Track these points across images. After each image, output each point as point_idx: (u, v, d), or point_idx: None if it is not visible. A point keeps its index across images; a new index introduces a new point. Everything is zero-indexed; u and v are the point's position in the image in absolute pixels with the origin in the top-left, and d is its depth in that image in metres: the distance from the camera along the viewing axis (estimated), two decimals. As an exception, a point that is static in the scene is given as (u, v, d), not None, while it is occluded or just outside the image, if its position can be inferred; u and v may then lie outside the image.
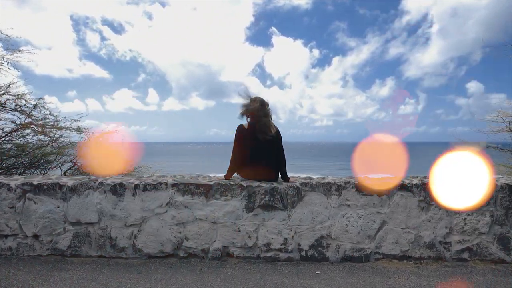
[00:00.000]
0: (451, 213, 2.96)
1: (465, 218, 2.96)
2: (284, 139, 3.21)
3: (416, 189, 2.96)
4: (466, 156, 2.91)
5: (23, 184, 2.94)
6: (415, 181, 3.03)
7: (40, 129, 5.56)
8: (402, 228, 2.97)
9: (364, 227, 2.97)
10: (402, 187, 2.97)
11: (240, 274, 2.70)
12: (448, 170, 2.91)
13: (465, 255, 2.97)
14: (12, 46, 5.28)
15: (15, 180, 3.01)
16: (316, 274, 2.73)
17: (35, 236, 2.96)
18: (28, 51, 5.36)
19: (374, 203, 2.97)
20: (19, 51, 5.31)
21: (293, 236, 2.97)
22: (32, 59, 5.48)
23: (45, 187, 2.95)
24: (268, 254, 2.98)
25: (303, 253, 2.98)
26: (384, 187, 2.89)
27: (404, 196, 2.97)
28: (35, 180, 2.99)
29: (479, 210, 2.95)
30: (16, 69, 5.31)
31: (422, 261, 2.96)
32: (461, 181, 2.91)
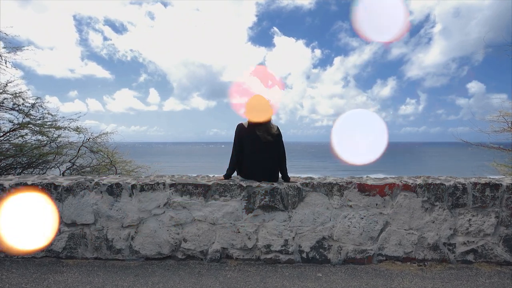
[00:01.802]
0: (455, 214, 2.89)
1: (470, 219, 2.89)
2: (284, 139, 3.14)
3: (420, 190, 2.89)
4: (30, 198, 2.84)
5: (17, 184, 2.88)
6: (419, 181, 2.96)
7: (38, 128, 5.50)
8: (405, 229, 2.90)
9: (367, 228, 2.90)
10: (406, 187, 2.90)
11: (240, 277, 2.64)
12: (14, 211, 2.80)
13: (470, 257, 2.90)
14: (11, 44, 5.22)
15: (9, 180, 2.95)
16: (318, 276, 2.66)
17: (30, 238, 2.90)
18: (26, 49, 5.29)
19: (376, 204, 2.90)
20: (18, 49, 5.25)
21: (294, 237, 2.90)
22: (34, 59, 5.43)
23: (40, 187, 2.89)
24: (269, 256, 2.91)
25: (304, 255, 2.91)
26: None
27: (407, 197, 2.90)
28: (30, 180, 2.93)
29: (484, 211, 2.88)
30: (15, 67, 5.25)
31: (426, 263, 2.89)
32: (26, 221, 2.79)
